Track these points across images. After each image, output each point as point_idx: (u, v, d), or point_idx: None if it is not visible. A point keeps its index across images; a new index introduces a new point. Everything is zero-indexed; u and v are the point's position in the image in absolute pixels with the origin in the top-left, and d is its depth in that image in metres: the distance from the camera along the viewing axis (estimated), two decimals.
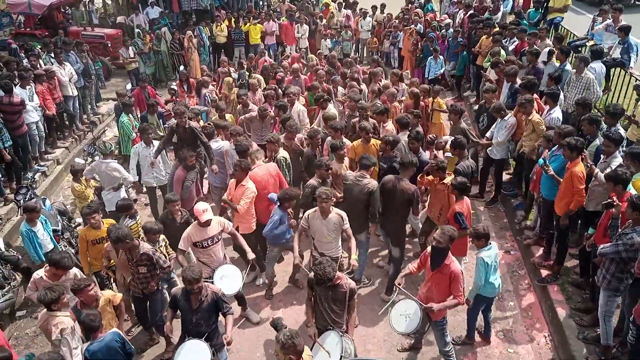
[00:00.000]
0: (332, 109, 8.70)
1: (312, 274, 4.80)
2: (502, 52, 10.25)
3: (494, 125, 7.91)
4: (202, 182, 8.40)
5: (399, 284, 5.18)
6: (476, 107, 9.74)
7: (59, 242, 6.92)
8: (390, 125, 7.95)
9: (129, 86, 12.66)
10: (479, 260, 5.13)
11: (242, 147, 6.99)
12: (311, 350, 4.59)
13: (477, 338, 5.87)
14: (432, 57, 12.30)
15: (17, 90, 8.72)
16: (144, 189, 8.44)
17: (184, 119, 7.84)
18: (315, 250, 5.83)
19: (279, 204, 6.11)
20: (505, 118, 7.64)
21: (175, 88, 11.05)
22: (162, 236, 5.97)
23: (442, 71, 12.46)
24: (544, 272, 6.51)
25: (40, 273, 5.32)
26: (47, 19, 14.89)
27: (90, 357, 4.43)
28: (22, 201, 7.90)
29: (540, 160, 6.48)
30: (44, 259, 6.36)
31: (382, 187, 6.19)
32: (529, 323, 6.14)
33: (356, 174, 6.23)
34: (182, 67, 14.00)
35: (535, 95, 7.77)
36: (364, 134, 7.13)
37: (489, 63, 10.22)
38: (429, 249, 5.05)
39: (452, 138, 7.03)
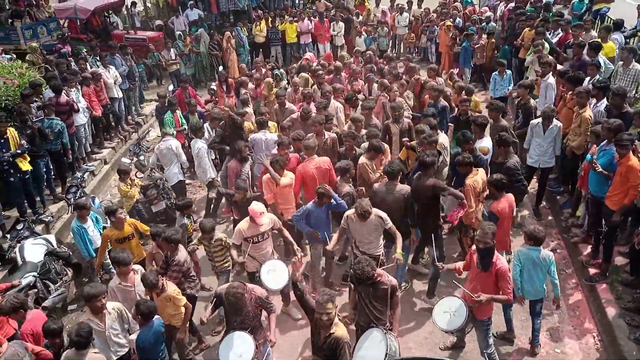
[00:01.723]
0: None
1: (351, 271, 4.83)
2: (546, 44, 9.96)
3: (532, 130, 7.31)
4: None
5: (442, 267, 5.26)
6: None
7: None
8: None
9: (171, 87, 12.98)
10: (517, 255, 5.11)
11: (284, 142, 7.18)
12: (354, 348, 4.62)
13: (521, 340, 5.75)
14: (497, 72, 10.20)
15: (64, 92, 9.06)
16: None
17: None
18: (356, 249, 5.84)
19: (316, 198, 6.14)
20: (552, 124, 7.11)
21: (215, 88, 11.26)
22: (221, 236, 6.12)
23: (510, 88, 9.96)
24: (592, 271, 6.32)
25: (113, 283, 5.47)
26: (87, 24, 15.42)
27: (139, 343, 4.77)
28: (72, 199, 8.25)
29: (588, 156, 6.28)
30: (94, 255, 6.64)
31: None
32: (577, 322, 5.97)
33: (383, 182, 6.15)
34: (221, 68, 14.24)
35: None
36: (418, 136, 6.96)
37: (531, 56, 9.96)
38: (474, 247, 4.99)
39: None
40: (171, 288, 5.23)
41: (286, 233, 6.12)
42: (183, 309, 5.27)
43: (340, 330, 4.36)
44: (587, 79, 7.80)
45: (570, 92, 7.53)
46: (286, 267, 5.59)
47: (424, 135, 6.72)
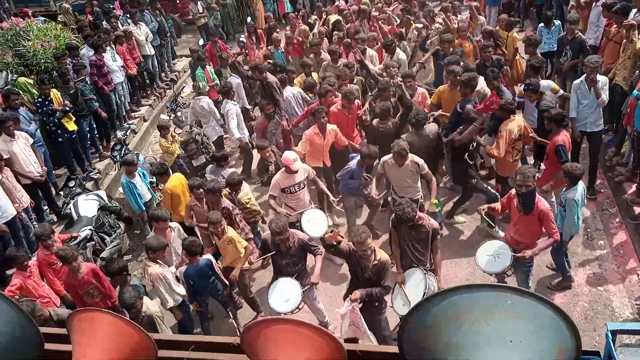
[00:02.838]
0: (400, 54, 8.49)
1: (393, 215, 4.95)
2: None
3: (575, 92, 6.40)
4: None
5: (483, 209, 5.27)
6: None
7: (156, 192, 7.49)
8: None
9: (201, 42, 12.95)
10: (570, 203, 5.01)
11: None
12: (392, 292, 4.81)
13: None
14: (543, 25, 9.09)
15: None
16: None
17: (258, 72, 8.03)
18: (395, 194, 5.93)
19: (357, 157, 6.19)
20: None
21: (244, 40, 11.18)
22: (248, 191, 6.26)
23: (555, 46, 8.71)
24: (637, 210, 6.21)
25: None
26: None
27: (186, 278, 5.15)
28: (117, 157, 8.56)
29: (635, 92, 6.04)
30: (144, 208, 6.96)
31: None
32: (621, 261, 5.95)
33: (412, 132, 6.18)
34: (249, 19, 14.06)
35: None
36: (452, 77, 6.84)
37: None
38: (512, 191, 4.98)
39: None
40: (231, 231, 5.46)
41: (321, 184, 6.25)
42: (243, 250, 5.50)
43: (383, 254, 4.62)
44: (634, 10, 7.37)
45: (616, 25, 7.16)
46: (324, 215, 5.76)
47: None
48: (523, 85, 6.67)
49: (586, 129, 6.49)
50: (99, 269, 5.34)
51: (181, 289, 5.26)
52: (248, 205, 6.22)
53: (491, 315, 1.12)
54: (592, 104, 6.29)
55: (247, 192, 6.34)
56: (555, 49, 8.61)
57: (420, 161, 5.70)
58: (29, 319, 1.46)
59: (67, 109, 7.68)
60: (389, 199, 6.14)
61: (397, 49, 8.55)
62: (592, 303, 5.51)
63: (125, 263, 5.34)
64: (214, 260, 5.39)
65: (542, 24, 9.15)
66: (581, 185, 5.15)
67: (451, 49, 7.89)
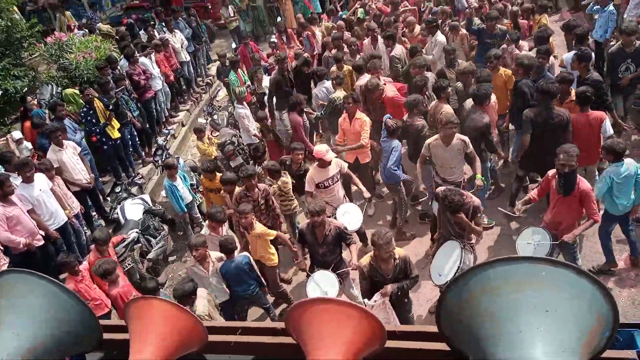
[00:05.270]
0: (439, 35, 8.41)
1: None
2: None
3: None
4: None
5: (519, 210, 5.13)
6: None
7: (196, 193, 7.72)
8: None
9: (233, 45, 13.20)
10: (604, 175, 4.90)
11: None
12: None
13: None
14: (598, 6, 8.17)
15: (141, 59, 9.55)
16: None
17: (285, 64, 8.08)
18: (437, 176, 5.92)
19: (387, 134, 6.17)
20: None
21: (275, 41, 11.33)
22: (288, 180, 6.39)
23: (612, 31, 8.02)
24: None
25: (205, 231, 5.88)
26: None
27: (223, 273, 5.25)
28: (159, 161, 8.86)
29: None
30: (186, 210, 7.19)
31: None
32: None
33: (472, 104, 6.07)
34: (279, 19, 14.21)
35: None
36: (492, 61, 6.76)
37: None
38: (550, 172, 4.88)
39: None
40: (260, 227, 5.60)
41: (355, 178, 6.25)
42: (273, 248, 5.63)
43: (400, 250, 4.61)
44: None
45: None
46: (359, 208, 5.82)
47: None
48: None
49: None
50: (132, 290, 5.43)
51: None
52: (285, 191, 6.35)
53: (527, 286, 1.15)
54: None
55: (286, 180, 6.47)
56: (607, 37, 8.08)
57: (467, 139, 5.67)
58: (87, 309, 1.55)
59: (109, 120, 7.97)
60: (421, 189, 6.09)
61: (438, 31, 8.49)
62: (639, 288, 5.33)
63: (155, 283, 5.23)
64: (252, 259, 5.43)
65: (595, 6, 8.46)
66: (629, 160, 4.99)
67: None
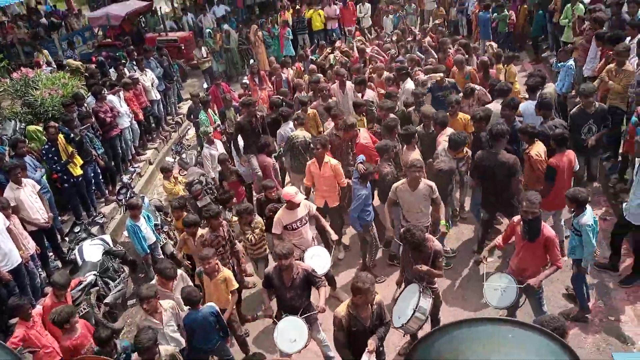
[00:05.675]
0: (409, 82, 8.68)
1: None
2: (580, 6, 9.61)
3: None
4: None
5: (485, 258, 5.16)
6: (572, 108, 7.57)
7: (160, 234, 7.50)
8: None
9: (205, 85, 13.26)
10: (585, 228, 4.95)
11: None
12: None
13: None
14: (560, 62, 8.74)
15: (109, 97, 9.44)
16: None
17: (252, 109, 8.14)
18: (404, 220, 5.93)
19: (359, 178, 6.17)
20: None
21: (247, 82, 11.42)
22: (259, 220, 6.34)
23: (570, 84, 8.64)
24: None
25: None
26: (121, 30, 15.86)
27: (186, 325, 5.01)
28: (123, 200, 8.63)
29: (634, 119, 6.09)
30: (148, 251, 6.95)
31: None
32: (630, 290, 5.84)
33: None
34: (252, 61, 14.42)
35: None
36: (453, 106, 6.98)
37: (567, 20, 9.64)
38: (515, 218, 4.96)
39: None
40: (226, 271, 5.45)
41: (322, 220, 6.21)
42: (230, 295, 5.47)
43: (377, 296, 4.49)
44: (628, 39, 7.51)
45: (611, 52, 7.31)
46: (327, 251, 5.74)
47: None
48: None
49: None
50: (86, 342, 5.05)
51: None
52: (257, 231, 6.27)
53: (494, 348, 1.11)
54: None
55: (259, 220, 6.38)
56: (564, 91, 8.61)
57: (433, 184, 5.73)
58: None
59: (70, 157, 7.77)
60: (390, 234, 6.12)
61: (408, 78, 8.72)
62: (604, 333, 5.38)
63: (109, 333, 4.85)
64: (218, 310, 5.19)
65: (560, 63, 8.74)
66: (590, 209, 5.12)
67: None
